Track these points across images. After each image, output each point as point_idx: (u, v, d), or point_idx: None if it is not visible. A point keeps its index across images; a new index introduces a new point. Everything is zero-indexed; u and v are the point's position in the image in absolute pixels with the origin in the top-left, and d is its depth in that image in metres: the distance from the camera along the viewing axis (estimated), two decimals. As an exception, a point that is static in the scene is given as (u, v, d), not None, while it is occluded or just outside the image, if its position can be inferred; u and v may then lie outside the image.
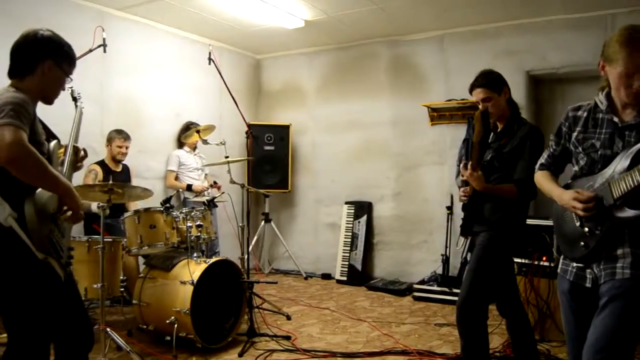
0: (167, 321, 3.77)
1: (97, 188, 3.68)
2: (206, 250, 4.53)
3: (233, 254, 5.17)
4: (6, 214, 2.05)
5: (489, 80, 3.12)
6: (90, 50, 4.25)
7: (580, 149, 2.20)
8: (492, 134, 3.19)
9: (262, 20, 5.91)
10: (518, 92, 5.69)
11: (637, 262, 2.00)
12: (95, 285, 3.72)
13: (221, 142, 4.86)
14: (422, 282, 5.72)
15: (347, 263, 6.57)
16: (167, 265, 4.10)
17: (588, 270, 2.12)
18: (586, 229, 2.10)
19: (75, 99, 2.80)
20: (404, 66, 6.52)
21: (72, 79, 2.43)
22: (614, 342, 1.96)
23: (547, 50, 5.61)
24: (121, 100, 5.64)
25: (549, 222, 4.36)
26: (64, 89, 2.40)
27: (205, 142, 4.88)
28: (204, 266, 3.95)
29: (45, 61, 2.25)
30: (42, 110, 2.31)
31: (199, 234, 4.32)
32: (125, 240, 4.20)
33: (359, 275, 6.44)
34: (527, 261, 4.35)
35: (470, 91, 3.18)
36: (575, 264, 2.19)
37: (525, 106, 5.69)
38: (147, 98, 5.94)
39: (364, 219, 6.61)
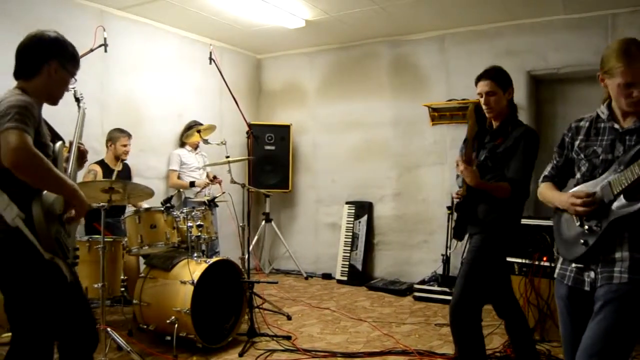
0: (168, 321, 3.78)
1: (97, 187, 3.68)
2: (206, 250, 4.53)
3: (233, 254, 5.17)
4: (14, 214, 2.08)
5: (498, 75, 3.10)
6: (91, 50, 4.24)
7: (582, 155, 2.23)
8: (487, 134, 3.19)
9: (263, 20, 5.91)
10: (519, 92, 5.64)
11: (635, 266, 2.01)
12: (95, 285, 3.73)
13: (222, 142, 4.86)
14: (422, 282, 5.72)
15: (347, 263, 6.57)
16: (168, 265, 4.10)
17: (586, 273, 2.13)
18: (586, 227, 2.12)
19: (78, 100, 2.83)
20: (404, 66, 6.52)
21: (76, 80, 2.45)
22: (608, 345, 1.97)
23: (548, 50, 5.60)
24: (122, 100, 5.64)
25: (549, 222, 4.36)
26: (68, 90, 2.42)
27: (206, 141, 4.88)
28: (204, 266, 3.95)
29: (51, 62, 2.27)
30: (47, 111, 2.33)
31: (199, 233, 4.32)
32: (125, 239, 4.20)
33: (360, 275, 6.44)
34: (527, 261, 4.35)
35: (477, 82, 3.14)
36: (574, 266, 2.19)
37: (525, 106, 5.69)
38: (147, 97, 5.94)
39: (364, 219, 6.61)
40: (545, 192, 2.42)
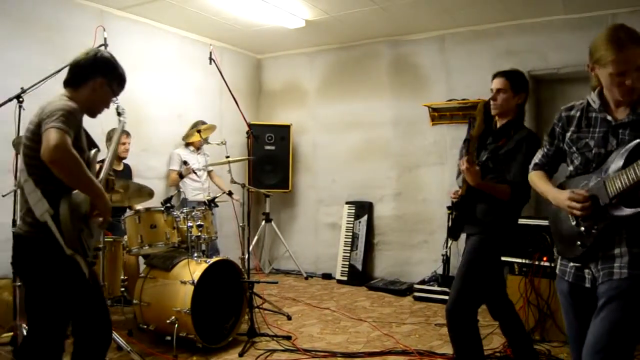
0: (168, 321, 3.78)
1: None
2: (206, 250, 4.53)
3: (234, 254, 5.17)
4: (44, 209, 2.24)
5: (514, 77, 3.10)
6: (91, 50, 4.25)
7: (574, 148, 2.20)
8: (489, 135, 3.18)
9: (263, 20, 5.91)
10: (519, 92, 5.70)
11: (634, 261, 2.01)
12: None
13: (222, 142, 4.87)
14: (422, 282, 5.72)
15: (347, 263, 6.57)
16: (168, 265, 4.10)
17: (586, 271, 2.13)
18: (582, 228, 2.11)
19: (119, 114, 2.95)
20: (404, 66, 6.52)
21: (117, 99, 2.66)
22: (613, 342, 1.97)
23: (548, 50, 5.61)
24: (122, 100, 5.54)
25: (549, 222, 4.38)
26: (108, 107, 2.62)
27: (206, 141, 4.89)
28: (204, 266, 3.96)
29: (98, 78, 2.46)
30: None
31: (199, 233, 4.32)
32: (125, 239, 4.21)
33: (360, 275, 6.44)
34: (527, 261, 4.35)
35: (493, 78, 3.15)
36: (572, 264, 2.19)
37: (526, 106, 5.69)
38: (148, 98, 5.94)
39: (364, 219, 6.61)
40: (538, 182, 2.40)
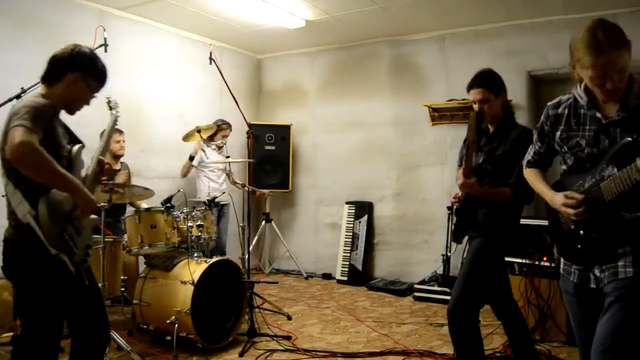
0: (168, 321, 3.78)
1: (97, 187, 3.68)
2: (206, 250, 4.53)
3: (234, 254, 5.17)
4: (25, 211, 2.19)
5: (490, 81, 3.08)
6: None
7: (565, 148, 2.17)
8: (483, 137, 3.17)
9: (263, 20, 5.91)
10: (519, 93, 5.71)
11: (638, 259, 1.99)
12: (95, 285, 3.73)
13: (222, 142, 4.86)
14: (422, 282, 5.72)
15: (347, 263, 6.57)
16: (168, 265, 4.11)
17: (591, 271, 2.11)
18: (581, 232, 2.09)
19: (111, 108, 2.91)
20: (404, 66, 6.52)
21: (96, 97, 2.54)
22: (620, 341, 1.95)
23: (548, 50, 5.60)
24: (122, 100, 5.45)
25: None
26: (88, 104, 2.51)
27: (205, 142, 4.88)
28: (204, 266, 3.96)
29: (74, 73, 2.36)
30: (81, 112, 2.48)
31: (199, 233, 4.32)
32: (125, 239, 4.20)
33: (360, 275, 6.44)
34: (527, 261, 4.35)
35: (469, 89, 3.12)
36: (575, 267, 2.18)
37: (526, 106, 5.70)
38: (148, 98, 5.94)
39: (364, 219, 6.61)
40: (534, 181, 2.38)
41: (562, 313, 4.08)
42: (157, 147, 6.00)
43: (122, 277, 4.10)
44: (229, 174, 6.08)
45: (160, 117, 6.07)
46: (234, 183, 5.72)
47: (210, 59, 4.83)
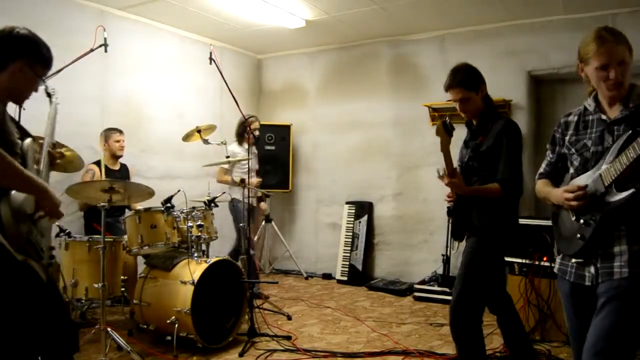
0: (168, 321, 3.79)
1: (97, 186, 3.68)
2: (207, 250, 4.51)
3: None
4: None
5: (466, 79, 3.03)
6: (91, 50, 4.23)
7: (573, 150, 2.24)
8: (467, 132, 3.16)
9: (263, 20, 5.91)
10: (519, 93, 5.71)
11: (634, 259, 2.01)
12: (96, 285, 3.73)
13: (222, 142, 4.86)
14: (422, 282, 5.73)
15: (347, 263, 6.58)
16: (168, 265, 4.11)
17: (587, 268, 2.13)
18: (582, 221, 2.13)
19: (49, 95, 2.70)
20: (405, 66, 6.52)
21: (45, 81, 2.35)
22: (613, 343, 1.96)
23: (549, 50, 5.60)
24: (122, 100, 5.65)
25: (550, 222, 4.37)
26: (36, 91, 2.31)
27: (206, 142, 4.87)
28: (204, 266, 3.96)
29: (17, 60, 2.15)
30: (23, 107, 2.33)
31: (199, 233, 4.32)
32: (125, 239, 4.20)
33: (360, 275, 6.44)
34: (527, 261, 4.36)
35: (446, 90, 3.10)
36: (574, 261, 2.20)
37: (526, 106, 5.70)
38: (148, 98, 5.95)
39: (364, 219, 6.61)
40: (542, 189, 2.43)
41: (562, 313, 4.04)
42: (157, 147, 6.00)
43: (122, 277, 4.09)
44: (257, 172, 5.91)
45: (161, 117, 6.07)
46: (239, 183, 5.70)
47: (211, 59, 4.82)
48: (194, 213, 4.40)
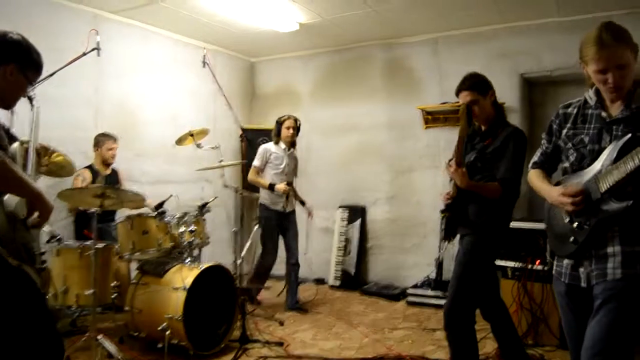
0: (159, 328, 3.76)
1: (89, 192, 3.66)
2: (198, 256, 4.50)
3: (226, 260, 5.15)
4: None
5: (476, 83, 3.16)
6: (84, 54, 4.24)
7: (570, 144, 2.23)
8: (477, 136, 3.22)
9: (257, 23, 5.90)
10: (512, 95, 5.72)
11: (627, 261, 2.01)
12: (87, 292, 3.71)
13: (215, 146, 4.85)
14: (415, 287, 5.72)
15: (340, 268, 6.57)
16: (160, 271, 4.09)
17: (581, 269, 2.13)
18: (575, 224, 2.12)
19: (30, 99, 2.63)
20: (398, 69, 6.52)
21: (33, 86, 2.35)
22: (610, 344, 1.97)
23: (542, 52, 5.61)
24: (115, 104, 5.63)
25: (542, 225, 4.38)
26: (24, 96, 2.32)
27: (198, 146, 4.86)
28: (196, 272, 3.95)
29: (9, 65, 2.17)
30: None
31: (192, 239, 4.30)
32: (117, 246, 4.19)
33: (353, 280, 6.43)
34: (520, 265, 4.36)
35: (457, 94, 3.22)
36: (567, 262, 2.20)
37: (518, 108, 5.71)
38: (141, 101, 5.93)
39: (357, 223, 6.61)
40: (535, 181, 2.43)
41: (555, 317, 4.09)
42: (150, 152, 5.98)
43: (114, 284, 4.07)
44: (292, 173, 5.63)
45: (154, 121, 6.05)
46: (227, 187, 5.68)
47: (204, 62, 4.83)
48: (186, 218, 4.37)
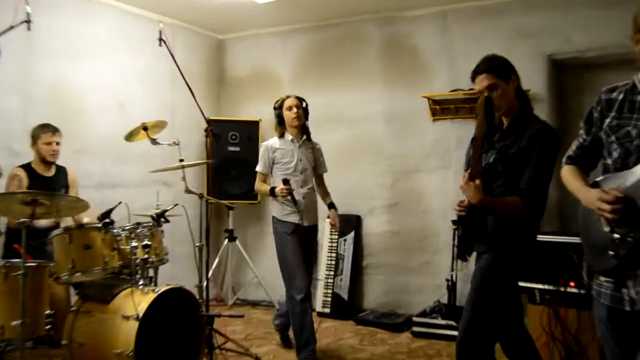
0: (106, 366, 3.71)
1: (16, 198, 3.60)
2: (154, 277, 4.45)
3: (189, 281, 5.10)
4: None
5: (495, 66, 3.15)
6: (11, 27, 4.20)
7: (613, 137, 2.22)
8: (496, 132, 3.19)
9: (225, -8, 5.89)
10: (537, 80, 5.74)
11: None
12: (14, 323, 3.63)
13: (174, 142, 4.81)
14: (423, 314, 5.72)
15: (330, 291, 6.54)
16: (106, 296, 4.04)
17: (624, 290, 2.13)
18: (616, 236, 2.11)
19: None
20: (399, 49, 6.54)
21: None
22: None
23: (572, 30, 5.65)
24: (50, 90, 5.58)
25: (577, 239, 4.38)
26: None
27: (154, 141, 4.81)
28: (151, 297, 3.90)
29: None
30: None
31: (145, 256, 4.26)
32: (52, 264, 4.12)
33: (346, 307, 6.43)
34: (551, 287, 4.36)
35: (473, 79, 3.21)
36: (605, 279, 2.20)
37: (545, 97, 5.74)
38: (82, 87, 5.89)
39: (350, 236, 6.60)
40: (569, 179, 2.43)
41: (595, 349, 4.10)
42: (94, 148, 5.94)
43: (48, 312, 4.00)
44: (319, 178, 5.35)
45: (98, 111, 6.02)
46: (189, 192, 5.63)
47: (160, 39, 4.79)
48: (138, 230, 4.35)
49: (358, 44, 6.78)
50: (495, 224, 3.07)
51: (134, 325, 3.75)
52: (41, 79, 5.50)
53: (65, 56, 5.71)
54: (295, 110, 4.93)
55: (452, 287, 5.70)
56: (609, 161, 2.26)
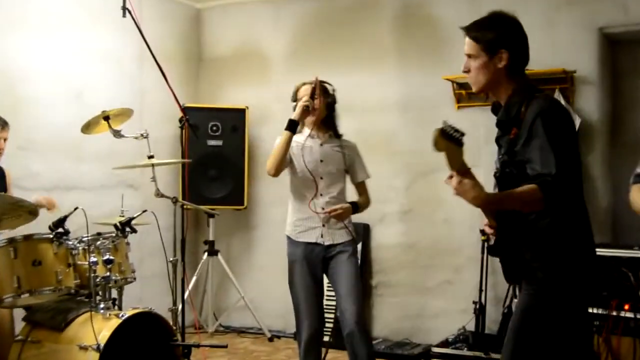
0: (59, 407, 3.73)
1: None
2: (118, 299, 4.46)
3: (161, 304, 5.12)
4: None
5: (483, 30, 3.02)
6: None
7: None
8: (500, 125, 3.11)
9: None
10: (586, 59, 5.73)
11: None
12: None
13: (142, 135, 4.81)
14: (444, 344, 5.74)
15: (332, 316, 6.55)
16: (60, 322, 4.06)
17: None
18: None
19: None
20: (416, 21, 6.57)
21: None
22: None
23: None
24: None
25: (634, 253, 4.38)
26: None
27: (117, 134, 4.82)
28: (115, 323, 3.92)
29: None
30: None
31: (107, 273, 4.27)
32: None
33: (351, 335, 6.42)
34: (601, 311, 4.37)
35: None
36: None
37: (596, 79, 5.73)
38: (29, 70, 5.89)
39: (357, 249, 6.60)
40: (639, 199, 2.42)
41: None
42: (43, 144, 5.95)
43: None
44: (359, 186, 5.11)
45: (48, 98, 6.02)
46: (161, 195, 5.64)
47: (124, 8, 4.79)
48: (99, 242, 4.37)
49: (367, 16, 6.80)
50: (532, 254, 2.91)
51: (93, 358, 3.76)
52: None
53: (9, 34, 5.72)
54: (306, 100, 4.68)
55: (480, 311, 5.70)
56: None
